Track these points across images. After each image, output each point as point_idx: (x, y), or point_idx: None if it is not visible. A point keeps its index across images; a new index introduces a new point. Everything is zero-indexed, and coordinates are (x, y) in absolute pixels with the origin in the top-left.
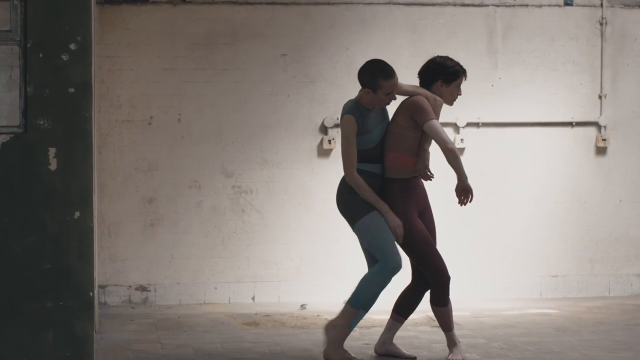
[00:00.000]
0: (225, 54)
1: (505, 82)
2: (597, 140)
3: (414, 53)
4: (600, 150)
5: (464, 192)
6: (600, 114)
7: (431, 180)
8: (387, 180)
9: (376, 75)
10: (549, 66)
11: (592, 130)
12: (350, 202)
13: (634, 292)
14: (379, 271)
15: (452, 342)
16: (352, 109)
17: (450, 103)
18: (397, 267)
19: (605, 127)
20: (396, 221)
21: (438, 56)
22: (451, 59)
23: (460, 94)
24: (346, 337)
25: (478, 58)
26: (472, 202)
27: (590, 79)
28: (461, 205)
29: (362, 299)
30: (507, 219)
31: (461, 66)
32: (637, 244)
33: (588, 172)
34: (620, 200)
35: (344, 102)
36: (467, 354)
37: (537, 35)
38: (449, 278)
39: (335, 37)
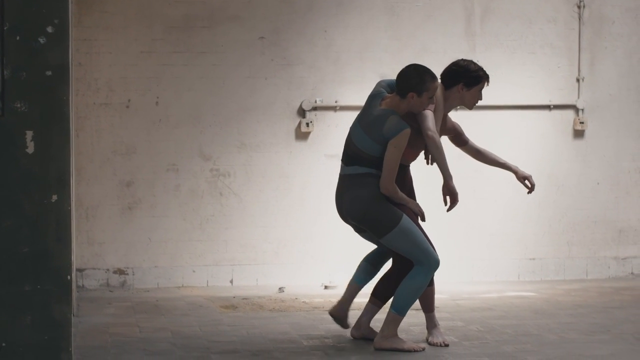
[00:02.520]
0: (202, 36)
1: (483, 65)
2: (574, 123)
3: (392, 36)
4: (578, 133)
5: (449, 193)
6: (578, 97)
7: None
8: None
9: (424, 77)
10: (527, 49)
11: (570, 114)
12: (381, 212)
13: (611, 274)
14: (426, 273)
15: (432, 324)
16: (401, 122)
17: (471, 107)
18: (438, 262)
19: (582, 110)
20: (419, 207)
21: (462, 59)
22: (474, 63)
23: (481, 99)
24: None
25: (456, 41)
26: (456, 205)
27: (568, 62)
28: (447, 210)
29: (408, 304)
30: (485, 202)
31: (484, 71)
32: (615, 227)
33: (566, 155)
34: (598, 183)
35: (320, 85)
36: (446, 336)
37: (515, 18)
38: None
39: (314, 20)
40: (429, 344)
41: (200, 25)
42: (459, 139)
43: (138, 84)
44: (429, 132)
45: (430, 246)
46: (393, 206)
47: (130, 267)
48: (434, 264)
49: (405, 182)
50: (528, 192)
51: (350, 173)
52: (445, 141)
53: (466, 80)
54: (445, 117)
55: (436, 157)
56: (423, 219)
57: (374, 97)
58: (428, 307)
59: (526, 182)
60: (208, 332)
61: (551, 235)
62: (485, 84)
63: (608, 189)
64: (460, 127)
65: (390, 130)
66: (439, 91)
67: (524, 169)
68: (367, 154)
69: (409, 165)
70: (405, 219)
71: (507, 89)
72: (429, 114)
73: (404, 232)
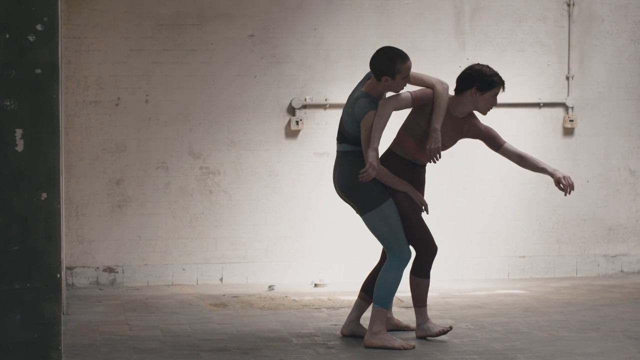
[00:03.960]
0: (192, 34)
1: (473, 62)
2: (564, 121)
3: (381, 34)
4: (568, 131)
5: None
6: (568, 95)
7: (434, 162)
8: (389, 152)
9: (394, 60)
10: (517, 47)
11: (560, 111)
12: (367, 190)
13: (600, 272)
14: (398, 264)
15: (424, 319)
16: (370, 104)
17: (484, 112)
18: (409, 256)
19: (572, 108)
20: (419, 196)
21: (477, 63)
22: (490, 68)
23: (495, 104)
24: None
25: (446, 39)
26: (439, 158)
27: (557, 60)
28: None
29: (389, 296)
30: (474, 200)
31: (499, 77)
32: (604, 225)
33: (555, 153)
34: (588, 181)
35: (310, 83)
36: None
37: (505, 16)
38: (436, 247)
39: (303, 18)
40: (422, 337)
41: (190, 23)
42: (494, 143)
43: (128, 82)
44: (380, 101)
45: (405, 238)
46: (382, 188)
47: (120, 265)
48: (406, 255)
49: (414, 179)
50: (565, 194)
51: (341, 150)
52: (480, 145)
53: (479, 84)
54: (474, 122)
55: (374, 122)
56: (425, 210)
57: (360, 81)
58: (422, 300)
59: (560, 184)
60: (198, 330)
61: (541, 233)
62: (501, 89)
63: (598, 187)
64: (493, 131)
65: (359, 113)
66: (439, 89)
67: (514, 167)
68: (349, 134)
69: (424, 166)
70: (389, 204)
71: None
72: (398, 96)
73: (384, 216)
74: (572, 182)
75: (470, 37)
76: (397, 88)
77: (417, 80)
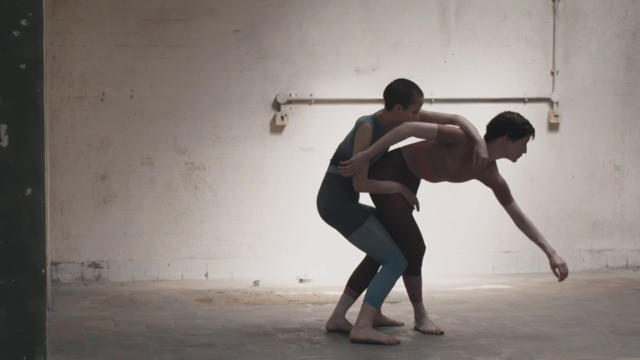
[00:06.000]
0: (177, 30)
1: (458, 58)
2: (549, 116)
3: (366, 29)
4: (553, 127)
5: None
6: (553, 90)
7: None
8: (397, 152)
9: (411, 89)
10: (502, 42)
11: (545, 107)
12: (345, 211)
13: (585, 267)
14: (394, 270)
15: (420, 313)
16: (371, 120)
17: (514, 160)
18: (405, 264)
19: (557, 103)
20: (412, 195)
21: (508, 112)
22: (520, 116)
23: (525, 152)
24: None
25: (431, 34)
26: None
27: (542, 55)
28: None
29: (380, 296)
30: (460, 195)
31: (530, 125)
32: (589, 220)
33: (540, 148)
34: (572, 176)
35: (295, 78)
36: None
37: (490, 11)
38: (424, 247)
39: (288, 13)
40: (422, 332)
41: (175, 18)
42: (505, 198)
43: (113, 77)
44: (406, 122)
45: (397, 246)
46: (360, 206)
47: (105, 261)
48: (402, 264)
49: (407, 184)
50: (559, 280)
51: (327, 172)
52: (488, 191)
53: (511, 132)
54: (494, 171)
55: (385, 136)
56: (416, 208)
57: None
58: (416, 296)
59: (556, 269)
60: (183, 325)
61: None
62: (531, 137)
63: (582, 182)
64: (507, 186)
65: (356, 127)
66: (460, 119)
67: (499, 162)
68: (343, 155)
69: (420, 180)
70: (372, 220)
71: (482, 82)
72: (424, 124)
73: (369, 232)
74: (567, 270)
75: (455, 32)
76: (405, 120)
77: (431, 118)
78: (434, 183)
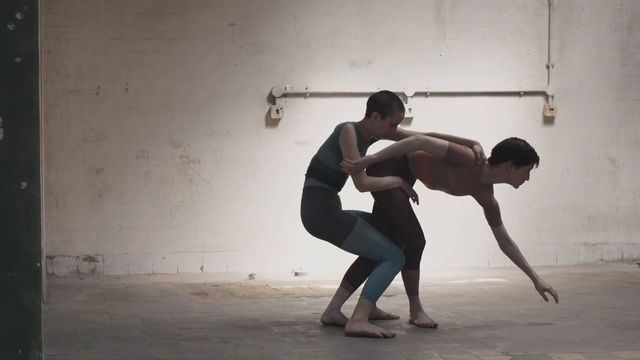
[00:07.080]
0: (173, 23)
1: (454, 51)
2: (544, 109)
3: (362, 23)
4: (548, 120)
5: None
6: (548, 84)
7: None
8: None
9: (392, 102)
10: (497, 36)
11: (540, 100)
12: (332, 222)
13: (580, 261)
14: (393, 266)
15: (416, 307)
16: (351, 123)
17: (516, 186)
18: (403, 259)
19: (552, 96)
20: (410, 188)
21: (514, 138)
22: (527, 144)
23: (528, 179)
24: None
25: (426, 28)
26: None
27: (538, 48)
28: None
29: (378, 291)
30: None
31: (535, 153)
32: (584, 213)
33: (536, 141)
34: (568, 170)
35: (290, 72)
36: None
37: (485, 4)
38: (424, 242)
39: (284, 7)
40: (416, 325)
41: (170, 11)
42: (494, 219)
43: (108, 71)
44: (418, 134)
45: (393, 243)
46: (344, 212)
47: (100, 254)
48: (399, 260)
49: (405, 178)
50: (553, 300)
51: (305, 186)
52: (478, 210)
53: (516, 158)
54: (490, 193)
55: (395, 144)
56: (416, 201)
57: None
58: (413, 289)
59: (545, 293)
60: (178, 319)
61: (521, 222)
62: (535, 165)
63: (577, 176)
64: (499, 209)
65: (337, 132)
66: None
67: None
68: (324, 164)
69: (415, 180)
70: (360, 224)
71: (477, 75)
72: (436, 141)
73: (361, 235)
74: (556, 293)
75: (450, 25)
76: (382, 130)
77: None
78: (428, 189)
